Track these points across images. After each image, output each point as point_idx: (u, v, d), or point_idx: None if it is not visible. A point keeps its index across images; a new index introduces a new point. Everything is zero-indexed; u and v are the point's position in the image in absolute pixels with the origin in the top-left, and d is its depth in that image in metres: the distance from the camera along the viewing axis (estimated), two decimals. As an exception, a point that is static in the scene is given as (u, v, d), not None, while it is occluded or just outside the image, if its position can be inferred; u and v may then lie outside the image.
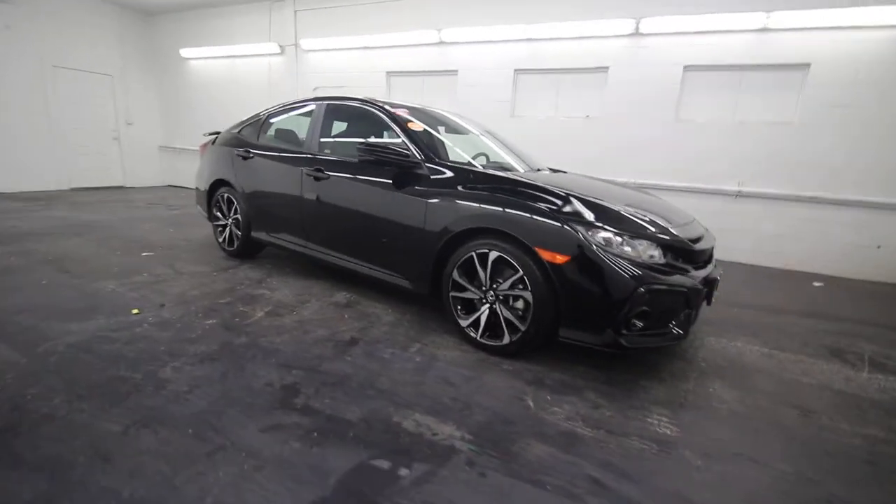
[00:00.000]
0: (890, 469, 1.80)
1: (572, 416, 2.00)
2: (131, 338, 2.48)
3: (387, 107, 3.17)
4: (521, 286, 2.36)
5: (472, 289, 2.56)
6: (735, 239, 5.40)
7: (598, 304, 2.17)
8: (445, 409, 1.99)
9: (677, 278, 2.25)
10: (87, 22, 8.19)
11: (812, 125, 5.02)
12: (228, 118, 8.97)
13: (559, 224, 2.24)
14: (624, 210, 2.35)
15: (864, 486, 1.69)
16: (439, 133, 3.31)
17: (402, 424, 1.86)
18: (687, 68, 5.47)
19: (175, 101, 9.47)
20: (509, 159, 3.49)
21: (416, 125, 3.08)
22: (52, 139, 7.92)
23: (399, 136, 2.98)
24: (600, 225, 2.23)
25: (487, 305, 2.51)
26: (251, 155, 3.88)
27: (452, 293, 2.64)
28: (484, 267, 2.47)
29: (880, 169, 4.80)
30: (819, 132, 5.00)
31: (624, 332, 2.19)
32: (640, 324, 2.22)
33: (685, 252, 2.38)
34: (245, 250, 4.16)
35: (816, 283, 4.70)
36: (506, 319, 2.44)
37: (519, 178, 2.60)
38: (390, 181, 2.89)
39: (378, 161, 2.84)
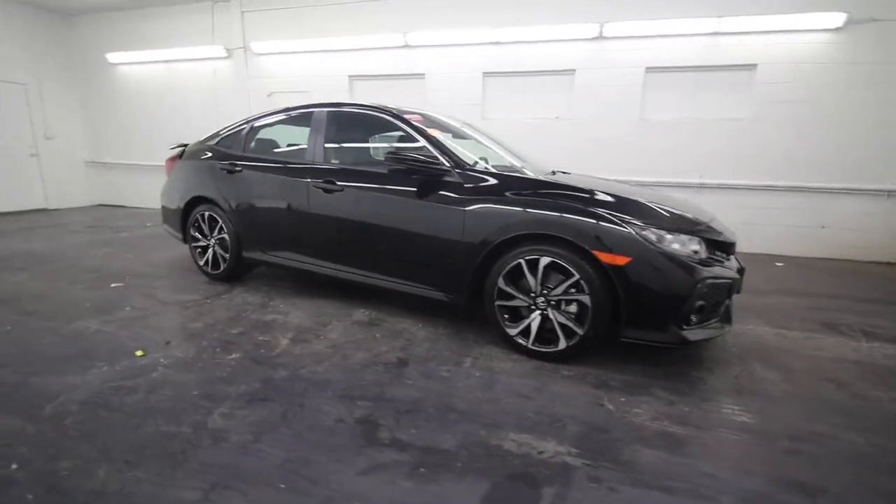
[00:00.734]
0: (936, 429, 2.00)
1: (656, 416, 2.02)
2: (151, 385, 2.16)
3: (403, 113, 3.04)
4: (574, 290, 2.35)
5: (521, 296, 2.51)
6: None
7: (662, 302, 2.22)
8: (535, 425, 1.93)
9: (722, 270, 2.36)
10: (-11, 23, 7.11)
11: (760, 120, 5.53)
12: (168, 129, 8.29)
13: (616, 226, 2.26)
14: (667, 208, 2.42)
15: (927, 447, 1.86)
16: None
17: (503, 446, 1.77)
18: (649, 70, 5.80)
19: (103, 111, 8.48)
20: (514, 162, 3.48)
21: (436, 131, 2.98)
22: (-48, 159, 6.79)
23: (422, 144, 2.86)
24: (654, 224, 2.28)
25: (538, 312, 2.48)
26: (239, 168, 3.56)
27: (498, 302, 2.57)
28: (534, 273, 2.44)
29: (820, 157, 5.39)
30: (766, 127, 5.51)
31: (685, 327, 2.26)
32: (695, 318, 2.30)
33: (721, 244, 2.50)
34: (233, 273, 3.80)
35: (778, 264, 5.18)
36: (561, 324, 2.42)
37: (565, 182, 2.60)
38: (414, 190, 2.78)
39: (409, 170, 2.71)
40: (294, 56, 7.09)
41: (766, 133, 5.53)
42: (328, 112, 3.30)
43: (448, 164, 2.72)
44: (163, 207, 4.29)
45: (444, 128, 3.31)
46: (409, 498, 1.50)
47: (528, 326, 2.51)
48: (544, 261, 2.39)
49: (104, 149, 8.62)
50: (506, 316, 2.59)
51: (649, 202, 2.43)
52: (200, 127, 7.63)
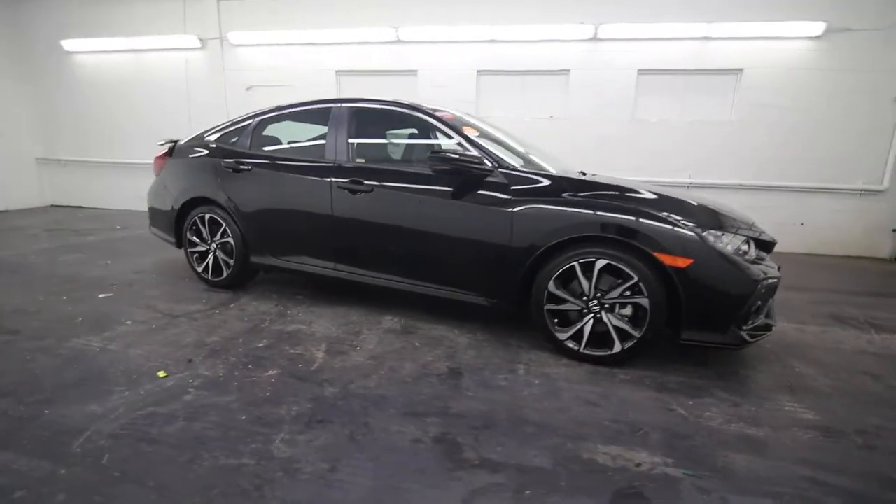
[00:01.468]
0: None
1: (729, 419, 2.01)
2: (190, 410, 1.93)
3: (436, 111, 2.90)
4: (630, 293, 2.31)
5: (573, 299, 2.44)
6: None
7: (725, 303, 2.21)
8: (617, 434, 1.86)
9: (772, 270, 2.39)
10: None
11: (746, 123, 5.77)
12: (134, 123, 7.67)
13: (677, 228, 2.24)
14: (717, 209, 2.42)
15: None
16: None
17: (597, 461, 1.69)
18: (641, 72, 5.92)
19: (57, 104, 7.72)
20: (544, 163, 3.41)
21: (473, 130, 2.86)
22: None
23: (458, 142, 2.74)
24: (711, 225, 2.27)
25: (591, 315, 2.42)
26: (247, 167, 3.29)
27: (548, 306, 2.49)
28: (588, 276, 2.38)
29: (800, 159, 5.68)
30: (751, 129, 5.76)
31: (744, 327, 2.26)
32: (752, 319, 2.31)
33: (763, 244, 2.54)
34: (237, 280, 3.52)
35: (766, 260, 5.41)
36: (616, 328, 2.37)
37: (619, 184, 2.56)
38: (450, 190, 2.66)
39: (454, 170, 2.58)
40: (276, 48, 6.73)
41: (751, 135, 5.77)
42: (350, 108, 3.10)
43: (490, 165, 2.62)
44: (151, 209, 3.92)
45: (473, 127, 3.20)
46: (524, 524, 1.39)
47: (581, 330, 2.45)
48: (600, 263, 2.34)
49: (59, 144, 7.86)
50: (555, 320, 2.52)
51: (700, 203, 2.43)
52: (172, 121, 7.17)
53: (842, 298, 3.89)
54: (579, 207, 2.39)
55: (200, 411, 1.92)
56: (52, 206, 8.01)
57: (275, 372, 2.29)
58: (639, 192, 2.43)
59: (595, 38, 5.87)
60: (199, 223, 3.51)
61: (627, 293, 2.33)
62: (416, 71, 6.45)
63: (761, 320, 2.42)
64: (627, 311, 2.38)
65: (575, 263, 2.39)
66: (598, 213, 2.35)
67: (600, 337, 2.43)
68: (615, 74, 5.97)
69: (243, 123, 3.50)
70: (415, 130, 3.39)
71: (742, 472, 1.66)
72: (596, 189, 2.47)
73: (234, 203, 3.32)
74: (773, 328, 2.49)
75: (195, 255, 3.62)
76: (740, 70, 5.67)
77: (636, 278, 2.28)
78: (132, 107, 7.33)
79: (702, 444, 1.82)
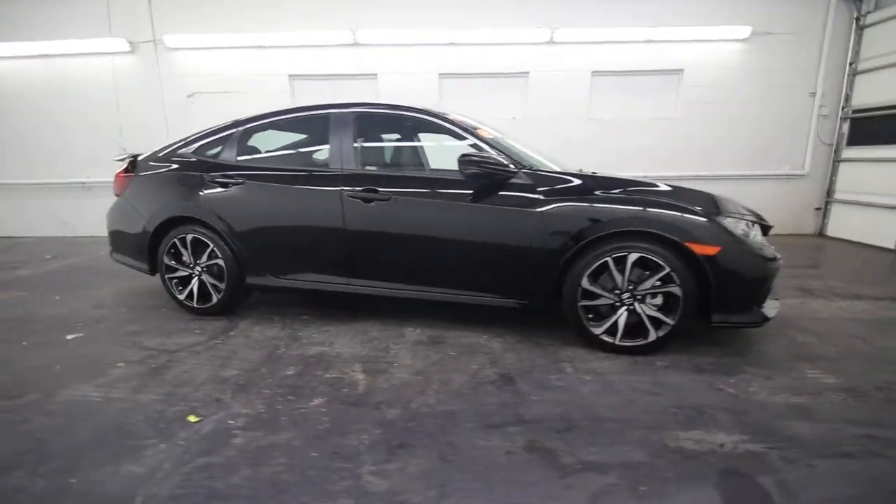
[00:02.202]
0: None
1: (772, 391, 2.17)
2: (249, 455, 1.72)
3: (448, 115, 2.84)
4: (661, 283, 2.42)
5: (606, 294, 2.51)
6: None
7: (750, 286, 2.40)
8: (688, 420, 1.94)
9: (774, 252, 2.62)
10: None
11: (688, 119, 6.30)
12: (51, 137, 6.71)
13: (703, 218, 2.38)
14: (727, 198, 2.61)
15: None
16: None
17: (685, 447, 1.75)
18: (594, 73, 6.25)
19: (-57, 117, 6.58)
20: (548, 163, 3.45)
21: (486, 132, 2.85)
22: None
23: (477, 145, 2.71)
24: (730, 213, 2.45)
25: (625, 308, 2.51)
26: (238, 181, 3.01)
27: (583, 302, 2.54)
28: (620, 270, 2.46)
29: (736, 150, 6.31)
30: (693, 124, 6.30)
31: (763, 306, 2.46)
32: (769, 297, 2.52)
33: (765, 229, 2.78)
34: (228, 305, 3.22)
35: (718, 243, 5.94)
36: (650, 317, 2.48)
37: (642, 180, 2.67)
38: (471, 194, 2.64)
39: (485, 174, 2.54)
40: (221, 52, 6.25)
41: (693, 129, 6.31)
42: (355, 113, 2.94)
43: (514, 166, 2.62)
44: (114, 233, 3.47)
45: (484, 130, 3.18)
46: (655, 520, 1.40)
47: (616, 323, 2.52)
48: (633, 257, 2.43)
49: (-50, 165, 6.70)
50: (589, 316, 2.57)
51: (710, 193, 2.61)
52: (99, 135, 6.41)
53: (799, 272, 4.36)
54: (614, 203, 2.46)
55: (262, 454, 1.73)
56: (-55, 237, 6.81)
57: (321, 400, 2.12)
58: (657, 186, 2.57)
59: (552, 42, 6.10)
60: (178, 245, 3.16)
61: (658, 283, 2.44)
62: (375, 75, 6.30)
63: (770, 298, 2.65)
64: (658, 300, 2.49)
65: (608, 258, 2.46)
66: (632, 207, 2.43)
67: (632, 328, 2.52)
68: (571, 76, 6.25)
69: (225, 133, 3.20)
70: (430, 135, 3.29)
71: (809, 438, 1.80)
72: (622, 185, 2.56)
73: (224, 221, 3.03)
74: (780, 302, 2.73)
75: (174, 282, 3.25)
76: (681, 70, 6.18)
77: (668, 268, 2.39)
78: (52, 120, 6.43)
79: (762, 418, 1.95)
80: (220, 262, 3.09)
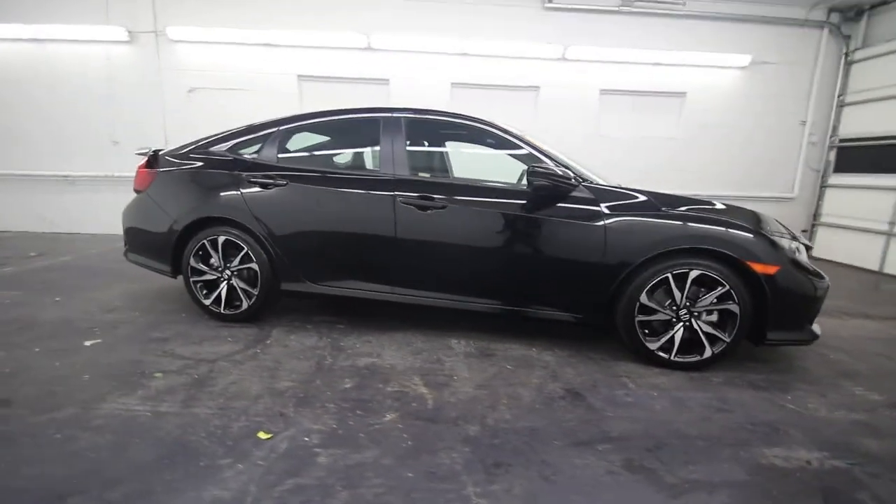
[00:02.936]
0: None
1: (831, 407, 2.24)
2: (341, 475, 1.61)
3: (507, 127, 2.83)
4: (717, 300, 2.47)
5: (663, 309, 2.54)
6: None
7: (805, 304, 2.48)
8: (766, 436, 1.97)
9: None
10: None
11: (689, 140, 6.54)
12: (41, 127, 6.22)
13: (762, 237, 2.45)
14: (775, 220, 2.70)
15: None
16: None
17: (776, 465, 1.77)
18: (603, 91, 6.40)
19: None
20: (595, 177, 3.44)
21: (543, 145, 2.85)
22: None
23: (542, 158, 2.71)
24: (784, 234, 2.53)
25: (681, 324, 2.54)
26: (281, 182, 2.88)
27: (640, 318, 2.55)
28: (680, 287, 2.49)
29: (732, 171, 6.59)
30: (693, 145, 6.54)
31: (814, 324, 2.54)
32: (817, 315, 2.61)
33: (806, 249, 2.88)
34: (259, 311, 3.06)
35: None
36: (706, 333, 2.51)
37: (698, 198, 2.72)
38: (533, 206, 2.63)
39: (554, 187, 2.53)
40: (226, 47, 6.02)
41: (693, 150, 6.55)
42: (408, 118, 2.88)
43: (574, 180, 2.62)
44: (132, 231, 3.25)
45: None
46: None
47: (672, 339, 2.55)
48: (693, 274, 2.46)
49: (-84, 151, 6.14)
50: (645, 331, 2.59)
51: (757, 212, 2.69)
52: (90, 125, 6.04)
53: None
54: (680, 220, 2.50)
55: (354, 474, 1.62)
56: None
57: (393, 416, 2.02)
58: (714, 204, 2.63)
59: (563, 59, 6.21)
60: (208, 247, 2.98)
61: (715, 300, 2.48)
62: (388, 80, 6.23)
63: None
64: (713, 317, 2.53)
65: (668, 274, 2.48)
66: (697, 225, 2.48)
67: (684, 344, 2.55)
68: (581, 93, 6.38)
69: (265, 132, 3.06)
70: (490, 144, 3.22)
71: (881, 453, 1.87)
72: (683, 203, 2.61)
73: (263, 223, 2.88)
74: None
75: (198, 285, 3.06)
76: (684, 93, 6.42)
77: (727, 286, 2.44)
78: (36, 107, 6.00)
79: (831, 434, 2.00)
80: (255, 266, 2.94)
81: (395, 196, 2.73)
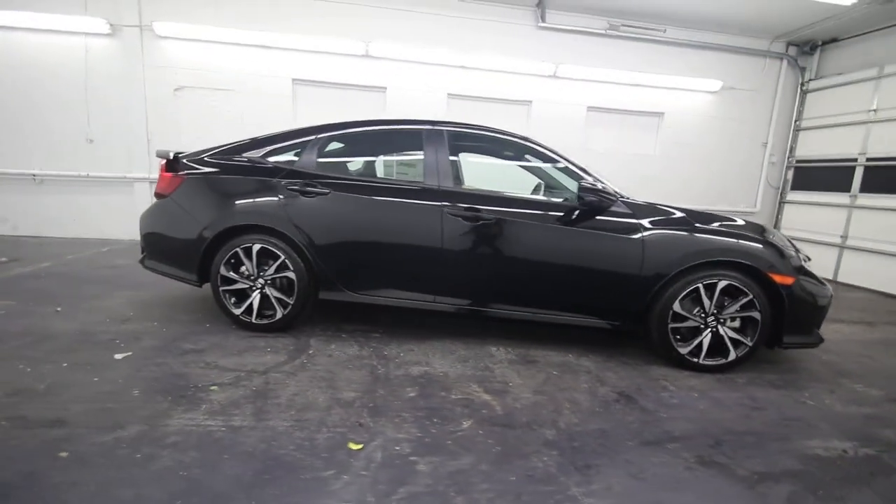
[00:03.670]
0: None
1: (844, 402, 2.53)
2: (448, 482, 1.66)
3: (546, 146, 2.98)
4: (741, 307, 2.72)
5: (692, 317, 2.75)
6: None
7: (816, 312, 2.77)
8: (800, 431, 2.20)
9: (817, 281, 3.06)
10: None
11: (664, 156, 7.01)
12: (4, 122, 5.64)
13: (776, 250, 2.73)
14: (772, 230, 3.01)
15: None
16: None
17: (820, 454, 1.99)
18: (589, 108, 6.75)
19: None
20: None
21: (579, 162, 3.01)
22: None
23: (586, 176, 2.89)
24: (795, 247, 2.83)
25: (709, 330, 2.77)
26: (323, 190, 2.86)
27: (672, 324, 2.76)
28: (710, 296, 2.71)
29: (704, 188, 7.12)
30: (668, 161, 7.02)
31: (820, 328, 2.85)
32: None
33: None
34: (294, 320, 3.01)
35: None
36: (731, 339, 2.75)
37: (721, 214, 2.96)
38: (574, 220, 2.78)
39: (599, 202, 2.68)
40: (217, 46, 5.82)
41: (668, 166, 7.02)
42: (448, 132, 2.96)
43: (616, 196, 2.80)
44: (153, 237, 3.10)
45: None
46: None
47: (700, 344, 2.77)
48: (721, 284, 2.69)
49: None
50: (677, 337, 2.79)
51: (762, 225, 2.99)
52: (62, 122, 5.64)
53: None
54: (712, 235, 2.73)
55: (460, 482, 1.67)
56: None
57: (469, 423, 2.08)
58: (735, 220, 2.89)
59: (555, 76, 6.49)
60: (241, 255, 2.90)
61: (738, 308, 2.73)
62: (385, 88, 6.25)
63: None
64: (736, 323, 2.78)
65: (699, 285, 2.71)
66: (728, 239, 2.72)
67: (711, 349, 2.78)
68: (570, 109, 6.68)
69: (302, 139, 3.03)
70: (527, 159, 3.35)
71: (902, 442, 2.14)
72: (714, 220, 2.85)
73: (303, 232, 2.85)
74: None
75: (227, 294, 2.97)
76: (663, 113, 6.89)
77: (751, 295, 2.69)
78: (1, 100, 5.52)
79: (854, 426, 2.27)
80: (291, 274, 2.89)
81: (442, 206, 2.79)
